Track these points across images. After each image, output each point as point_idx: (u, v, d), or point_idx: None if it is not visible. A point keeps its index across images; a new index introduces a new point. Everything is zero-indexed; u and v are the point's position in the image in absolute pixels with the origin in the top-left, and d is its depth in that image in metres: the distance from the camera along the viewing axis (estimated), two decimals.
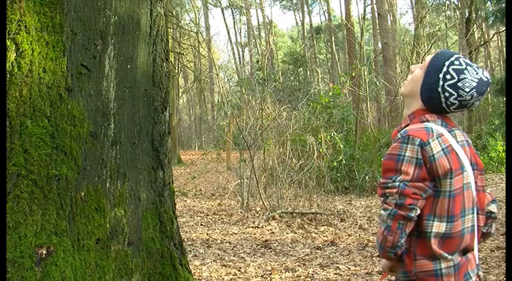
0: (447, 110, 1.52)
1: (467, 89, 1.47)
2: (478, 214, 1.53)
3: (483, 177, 1.58)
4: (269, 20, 29.68)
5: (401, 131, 1.49)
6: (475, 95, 1.48)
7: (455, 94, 1.47)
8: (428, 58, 1.56)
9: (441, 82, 1.48)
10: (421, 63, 1.67)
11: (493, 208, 1.64)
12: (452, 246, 1.46)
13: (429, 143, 1.43)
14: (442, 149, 1.44)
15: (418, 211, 1.42)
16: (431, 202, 1.44)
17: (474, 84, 1.47)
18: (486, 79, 1.49)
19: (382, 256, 1.49)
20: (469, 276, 1.48)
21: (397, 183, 1.42)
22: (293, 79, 25.10)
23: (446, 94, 1.48)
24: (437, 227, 1.44)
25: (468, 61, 1.51)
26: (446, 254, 1.45)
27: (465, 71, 1.47)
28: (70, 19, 2.02)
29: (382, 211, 1.45)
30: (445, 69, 1.49)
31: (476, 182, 1.53)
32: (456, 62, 1.49)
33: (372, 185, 10.06)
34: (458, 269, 1.46)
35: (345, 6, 18.65)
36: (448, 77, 1.47)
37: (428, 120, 1.51)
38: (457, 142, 1.49)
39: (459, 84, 1.46)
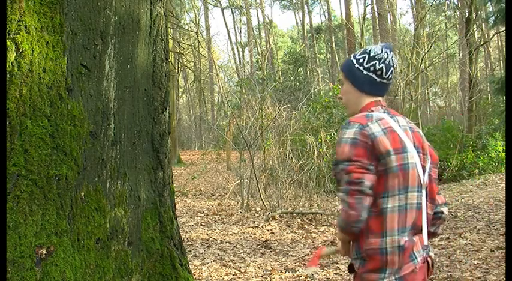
0: (384, 80, 1.69)
1: (378, 51, 1.69)
2: (427, 200, 1.64)
3: (436, 169, 1.71)
4: (269, 20, 29.67)
5: (346, 121, 1.65)
6: (387, 50, 1.69)
7: (375, 61, 1.68)
8: (340, 74, 1.78)
9: (361, 67, 1.69)
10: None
11: (445, 209, 1.74)
12: (400, 221, 1.56)
13: (367, 125, 1.57)
14: (382, 130, 1.57)
15: (368, 183, 1.52)
16: (383, 181, 1.56)
17: (379, 46, 1.71)
18: (384, 44, 1.76)
19: (346, 231, 1.59)
20: (414, 256, 1.57)
21: (341, 165, 1.56)
22: (293, 79, 25.09)
23: (371, 68, 1.68)
24: (392, 202, 1.55)
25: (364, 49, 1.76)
26: (396, 231, 1.55)
27: (366, 48, 1.72)
28: (70, 19, 2.02)
29: (339, 193, 1.57)
30: (354, 60, 1.71)
31: (423, 166, 1.64)
32: (357, 53, 1.73)
33: None
34: (403, 250, 1.55)
35: (345, 6, 18.65)
36: (361, 60, 1.69)
37: (372, 111, 1.67)
38: (399, 126, 1.64)
39: (371, 54, 1.69)
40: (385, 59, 1.67)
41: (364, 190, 1.52)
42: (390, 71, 1.69)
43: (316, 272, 4.36)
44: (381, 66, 1.67)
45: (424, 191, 1.63)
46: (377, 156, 1.54)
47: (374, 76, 1.68)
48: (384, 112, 1.67)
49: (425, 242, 1.64)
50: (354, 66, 1.70)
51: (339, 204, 8.54)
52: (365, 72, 1.68)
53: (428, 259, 1.66)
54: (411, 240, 1.58)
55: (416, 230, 1.61)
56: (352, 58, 1.73)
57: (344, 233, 1.63)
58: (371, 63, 1.67)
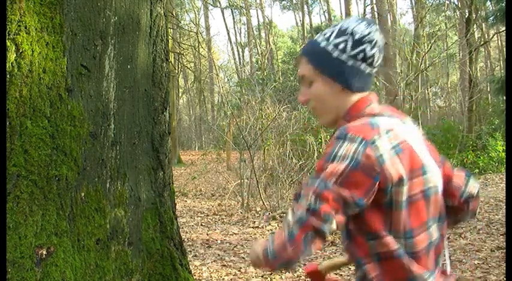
0: (374, 69, 1.23)
1: (364, 30, 1.19)
2: (442, 220, 1.23)
3: (447, 164, 1.32)
4: (269, 20, 29.67)
5: (340, 128, 1.15)
6: (373, 27, 1.21)
7: (365, 45, 1.19)
8: (303, 67, 1.25)
9: (344, 55, 1.19)
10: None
11: (472, 186, 1.31)
12: (423, 265, 1.16)
13: (374, 142, 1.10)
14: (393, 147, 1.11)
15: (334, 227, 1.07)
16: (383, 215, 1.13)
17: (361, 22, 1.21)
18: (358, 17, 1.26)
19: (268, 264, 1.12)
20: None
21: (318, 182, 1.07)
22: (293, 79, 25.10)
23: (360, 55, 1.19)
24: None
25: (331, 27, 1.25)
26: (425, 274, 1.15)
27: (342, 26, 1.22)
28: (70, 19, 2.02)
29: (289, 213, 1.10)
30: (331, 46, 1.20)
31: (442, 176, 1.25)
32: (328, 34, 1.22)
33: None
34: None
35: (345, 6, 18.65)
36: (342, 45, 1.19)
37: (373, 115, 1.19)
38: (413, 135, 1.20)
39: (356, 36, 1.19)
40: (377, 41, 1.20)
41: (324, 232, 1.06)
42: (382, 57, 1.24)
43: None
44: (373, 52, 1.20)
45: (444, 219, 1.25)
46: (383, 187, 1.10)
47: (364, 66, 1.20)
48: (391, 116, 1.21)
49: (449, 268, 1.29)
50: (332, 55, 1.19)
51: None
52: (351, 62, 1.19)
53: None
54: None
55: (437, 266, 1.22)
56: (323, 42, 1.21)
57: (259, 264, 1.14)
58: (359, 49, 1.18)
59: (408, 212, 1.13)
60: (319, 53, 1.21)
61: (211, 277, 4.33)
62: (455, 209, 1.30)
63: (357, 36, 1.18)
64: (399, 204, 1.12)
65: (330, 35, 1.21)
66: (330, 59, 1.20)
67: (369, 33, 1.19)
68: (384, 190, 1.11)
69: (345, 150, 1.09)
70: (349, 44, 1.18)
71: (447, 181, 1.28)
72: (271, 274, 4.35)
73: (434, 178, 1.19)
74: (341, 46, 1.19)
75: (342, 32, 1.20)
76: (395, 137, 1.13)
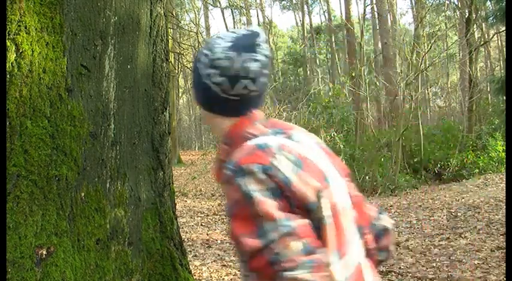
0: (234, 96, 1.05)
1: (224, 44, 1.03)
2: (363, 233, 1.12)
3: (352, 183, 1.17)
4: (269, 20, 29.67)
5: (229, 165, 0.99)
6: (231, 50, 1.03)
7: (216, 69, 1.03)
8: None
9: (200, 72, 1.07)
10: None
11: (385, 220, 1.18)
12: None
13: (272, 163, 0.96)
14: (294, 163, 0.98)
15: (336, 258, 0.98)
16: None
17: (228, 35, 1.06)
18: (238, 32, 1.07)
19: None
20: None
21: (280, 228, 0.92)
22: (293, 79, 25.11)
23: (211, 78, 1.04)
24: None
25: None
26: None
27: (213, 39, 1.08)
28: (70, 19, 2.02)
29: (288, 274, 0.89)
30: (198, 63, 1.09)
31: (349, 193, 1.12)
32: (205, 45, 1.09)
33: (372, 185, 10.07)
34: None
35: (345, 6, 18.65)
36: (202, 64, 1.07)
37: (255, 135, 1.05)
38: (306, 146, 1.06)
39: (215, 53, 1.03)
40: (227, 67, 1.03)
41: (328, 263, 0.95)
42: (245, 83, 1.03)
43: None
44: (222, 78, 1.03)
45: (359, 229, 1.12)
46: (304, 209, 0.96)
47: (216, 89, 1.05)
48: (276, 133, 1.07)
49: None
50: (196, 72, 1.08)
51: None
52: (205, 81, 1.06)
53: None
54: None
55: None
56: (198, 54, 1.09)
57: None
58: (211, 70, 1.03)
59: (333, 228, 0.98)
60: (193, 63, 1.12)
61: (211, 277, 4.33)
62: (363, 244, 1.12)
63: (214, 53, 1.04)
64: (324, 220, 0.97)
65: (204, 46, 1.09)
66: (195, 76, 1.10)
67: (226, 52, 1.02)
68: (308, 211, 0.96)
69: (252, 185, 0.94)
70: (206, 61, 1.05)
71: (358, 211, 1.13)
72: None
73: (340, 189, 1.06)
74: (201, 64, 1.06)
75: (207, 46, 1.07)
76: (290, 152, 0.99)
